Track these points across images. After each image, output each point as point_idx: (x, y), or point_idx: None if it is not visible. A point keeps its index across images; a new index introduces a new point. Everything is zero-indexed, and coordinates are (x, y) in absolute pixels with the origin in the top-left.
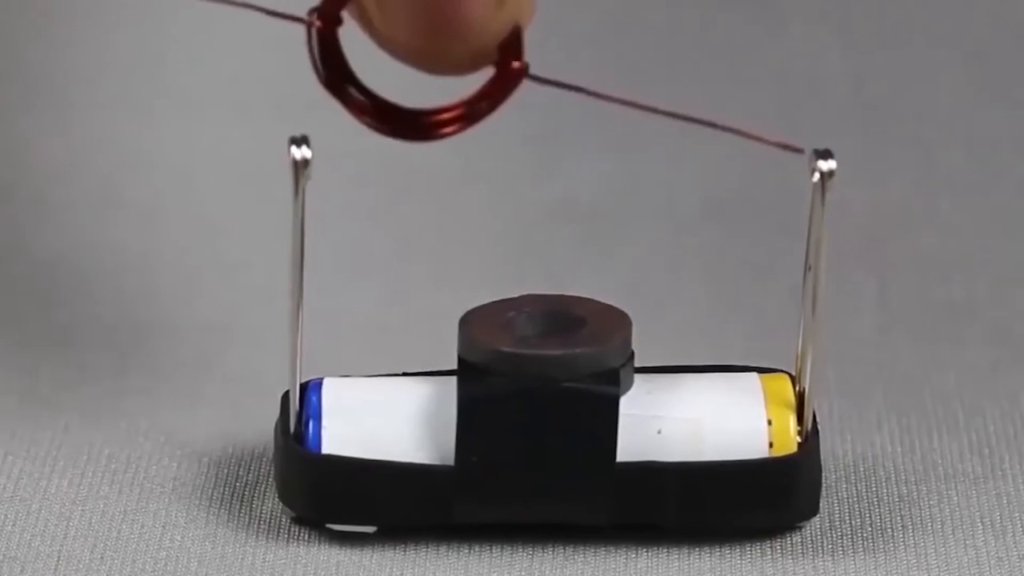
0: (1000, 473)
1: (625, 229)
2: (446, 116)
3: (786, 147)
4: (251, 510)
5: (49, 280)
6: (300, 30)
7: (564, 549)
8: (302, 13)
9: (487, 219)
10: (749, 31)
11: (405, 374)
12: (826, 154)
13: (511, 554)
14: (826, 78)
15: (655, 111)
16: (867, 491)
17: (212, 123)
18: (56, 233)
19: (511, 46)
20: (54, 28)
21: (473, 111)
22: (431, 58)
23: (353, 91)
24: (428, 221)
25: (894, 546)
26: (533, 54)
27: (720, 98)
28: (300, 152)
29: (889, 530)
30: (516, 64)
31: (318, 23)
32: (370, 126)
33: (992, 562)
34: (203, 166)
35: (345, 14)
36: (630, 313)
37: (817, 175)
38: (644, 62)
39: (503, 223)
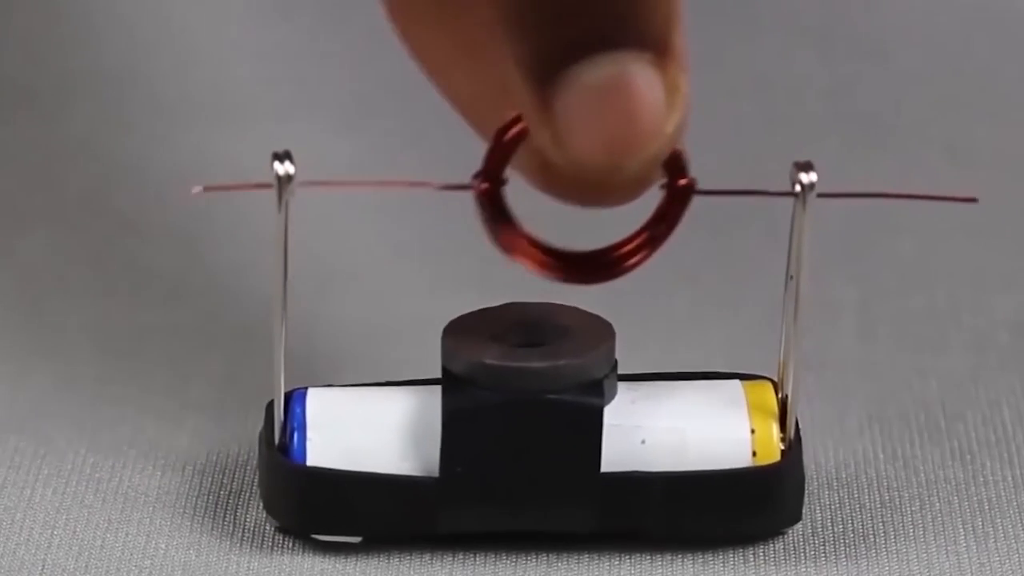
0: (981, 479)
1: (608, 236)
2: (629, 248)
3: (961, 199)
4: (235, 519)
5: (33, 289)
6: (289, 38)
7: (547, 556)
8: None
9: (471, 226)
10: (728, 40)
11: (389, 383)
12: (807, 166)
13: (495, 561)
14: (805, 86)
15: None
16: (849, 497)
17: (195, 130)
18: (39, 241)
19: (675, 164)
20: (39, 38)
21: (654, 236)
22: (605, 183)
23: (530, 247)
24: (412, 228)
25: (876, 552)
26: None
27: (700, 107)
28: (283, 167)
29: (871, 536)
30: (684, 181)
31: (484, 186)
32: (556, 278)
33: (974, 568)
34: (186, 173)
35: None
36: (613, 319)
37: (798, 187)
38: None
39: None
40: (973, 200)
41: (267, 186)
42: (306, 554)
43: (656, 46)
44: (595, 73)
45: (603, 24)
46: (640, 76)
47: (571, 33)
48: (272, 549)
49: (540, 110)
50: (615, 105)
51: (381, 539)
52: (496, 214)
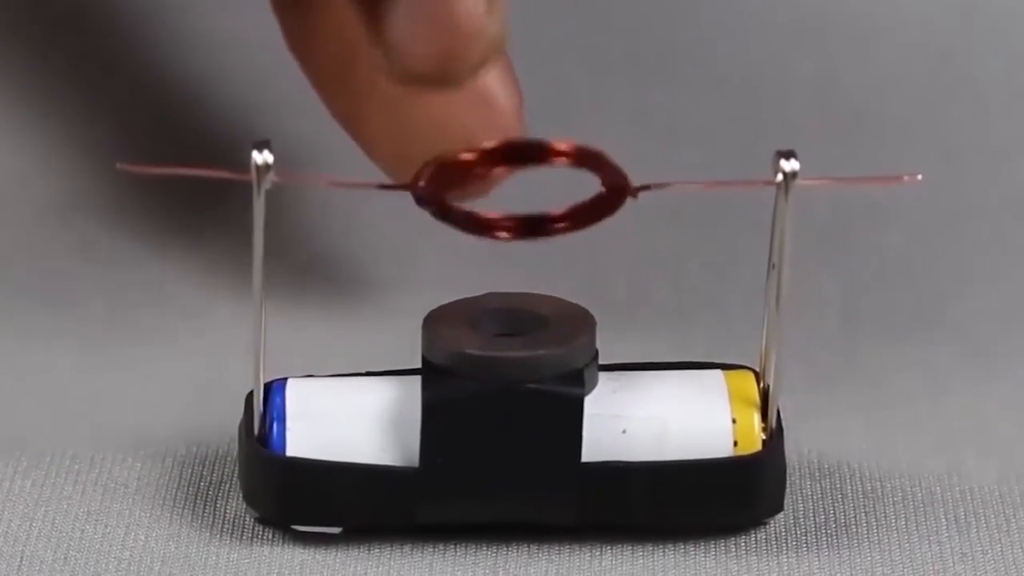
0: (964, 470)
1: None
2: (560, 222)
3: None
4: (215, 510)
5: (13, 280)
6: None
7: (528, 547)
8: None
9: None
10: (717, 34)
11: (369, 373)
12: (789, 154)
13: (475, 552)
14: (793, 79)
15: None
16: (831, 488)
17: (179, 122)
18: (22, 232)
19: (611, 176)
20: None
21: (583, 219)
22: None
23: (485, 220)
24: (392, 218)
25: (858, 542)
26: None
27: (689, 100)
28: (262, 157)
29: (853, 527)
30: (621, 186)
31: (431, 209)
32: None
33: (955, 557)
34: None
35: None
36: (594, 310)
37: (780, 175)
38: (614, 65)
39: None
40: (916, 179)
41: (245, 175)
42: (286, 545)
43: None
44: None
45: None
46: None
47: None
48: (252, 540)
49: (371, 28)
50: (440, 15)
51: (361, 530)
52: (454, 220)
